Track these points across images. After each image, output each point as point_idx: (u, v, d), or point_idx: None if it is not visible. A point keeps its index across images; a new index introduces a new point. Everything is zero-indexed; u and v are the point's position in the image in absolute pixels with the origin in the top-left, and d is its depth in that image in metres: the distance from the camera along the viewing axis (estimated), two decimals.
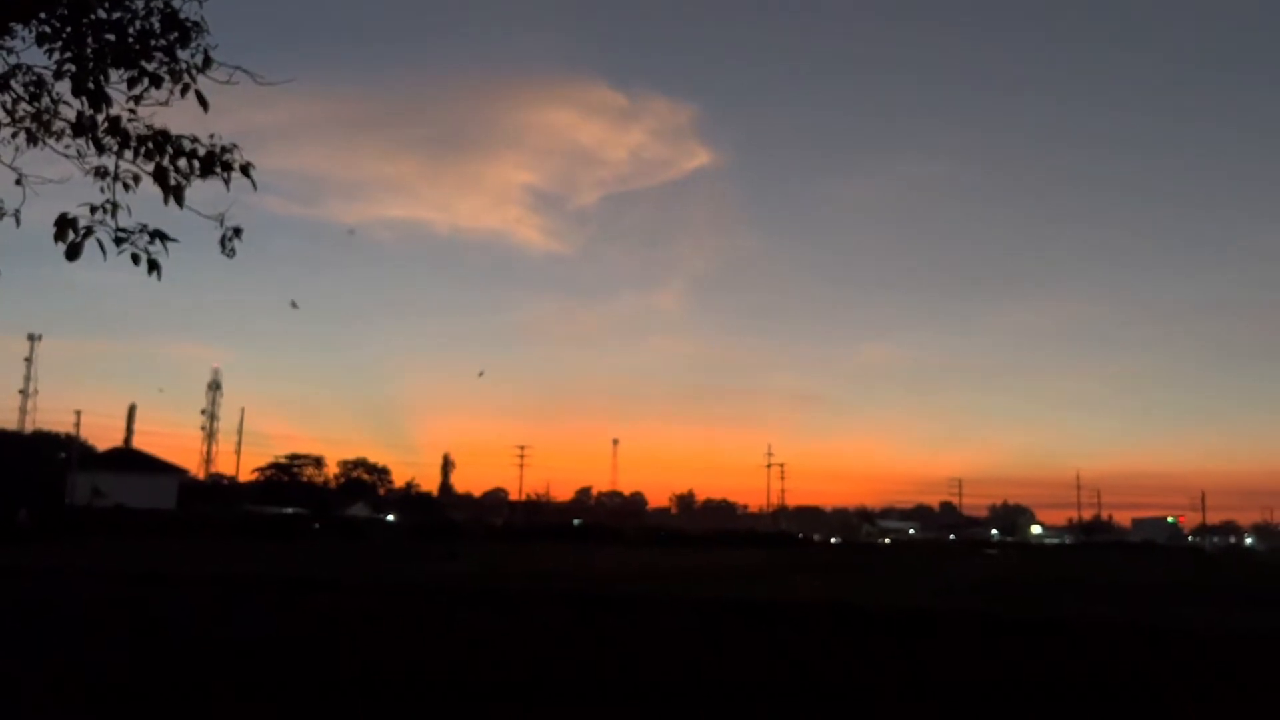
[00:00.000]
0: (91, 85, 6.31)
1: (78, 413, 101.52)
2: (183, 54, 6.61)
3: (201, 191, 6.71)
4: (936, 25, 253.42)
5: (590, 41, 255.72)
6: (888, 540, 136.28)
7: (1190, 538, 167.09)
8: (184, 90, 6.62)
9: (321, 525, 75.70)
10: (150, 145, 6.59)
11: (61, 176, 6.65)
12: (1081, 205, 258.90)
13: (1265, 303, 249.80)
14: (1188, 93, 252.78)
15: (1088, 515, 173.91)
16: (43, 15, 6.36)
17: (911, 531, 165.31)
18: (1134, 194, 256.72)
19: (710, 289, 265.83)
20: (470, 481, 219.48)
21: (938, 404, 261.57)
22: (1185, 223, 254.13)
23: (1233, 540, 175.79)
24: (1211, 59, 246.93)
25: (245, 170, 6.81)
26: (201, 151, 6.68)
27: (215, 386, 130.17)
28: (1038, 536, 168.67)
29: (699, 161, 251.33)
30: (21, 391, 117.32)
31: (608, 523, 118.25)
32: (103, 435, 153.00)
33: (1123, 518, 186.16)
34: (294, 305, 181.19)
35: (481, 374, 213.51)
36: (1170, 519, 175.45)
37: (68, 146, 6.65)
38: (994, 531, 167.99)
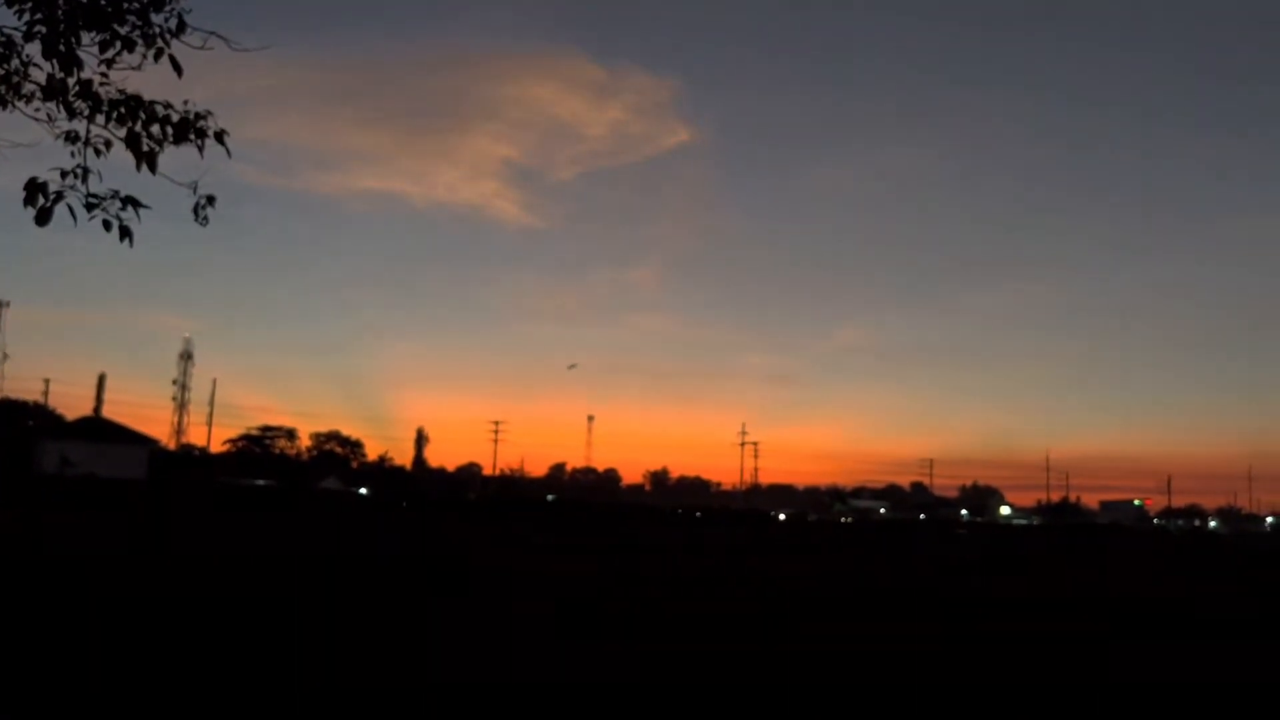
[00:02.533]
0: (62, 47, 6.20)
1: (46, 381, 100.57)
2: (156, 18, 6.50)
3: (175, 158, 6.64)
4: (917, 14, 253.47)
5: (570, 13, 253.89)
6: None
7: (1156, 520, 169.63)
8: (157, 55, 6.51)
9: (301, 498, 75.48)
10: (122, 110, 6.49)
11: (32, 140, 6.55)
12: (1052, 192, 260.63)
13: (1235, 289, 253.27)
14: (1151, 82, 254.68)
15: (1056, 497, 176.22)
16: None
17: (882, 510, 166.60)
18: (1103, 181, 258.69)
19: (688, 268, 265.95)
20: (444, 456, 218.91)
21: (910, 385, 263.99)
22: (1154, 209, 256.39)
23: (1197, 523, 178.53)
24: (1175, 49, 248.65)
25: (219, 137, 6.73)
26: (175, 118, 6.58)
27: (187, 356, 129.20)
28: (1006, 517, 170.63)
29: (679, 139, 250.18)
30: None
31: (580, 499, 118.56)
32: (72, 404, 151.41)
33: (1091, 500, 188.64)
34: (572, 366, 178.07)
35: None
36: (1137, 502, 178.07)
37: (38, 110, 6.54)
38: (964, 512, 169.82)
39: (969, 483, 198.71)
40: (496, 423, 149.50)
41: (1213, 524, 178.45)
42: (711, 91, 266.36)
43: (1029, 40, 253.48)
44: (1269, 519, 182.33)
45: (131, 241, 6.33)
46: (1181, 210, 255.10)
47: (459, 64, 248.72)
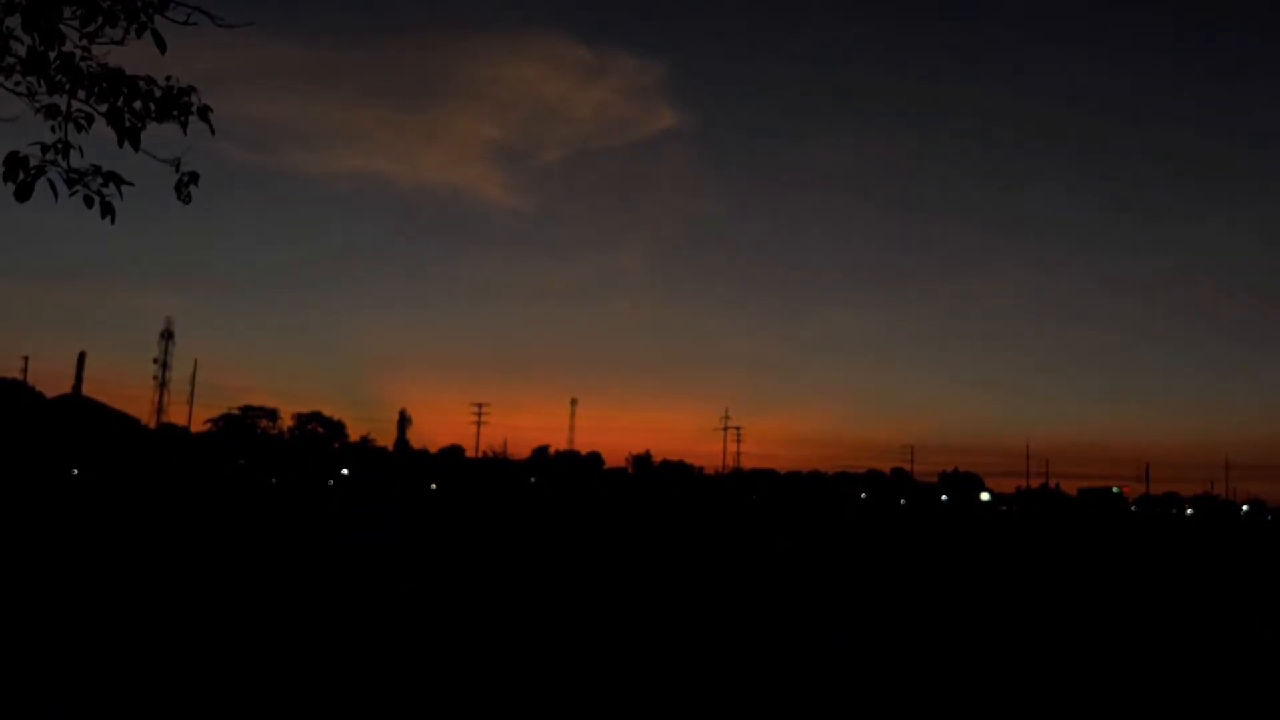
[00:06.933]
0: (43, 21, 6.11)
1: (25, 359, 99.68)
2: None
3: (157, 135, 6.56)
4: (903, 1, 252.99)
5: None
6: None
7: (1134, 508, 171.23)
8: (140, 30, 6.41)
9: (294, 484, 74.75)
10: (104, 85, 6.41)
11: (11, 114, 6.47)
12: (1039, 180, 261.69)
13: (1215, 280, 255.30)
14: (1145, 71, 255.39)
15: (1035, 484, 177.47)
16: None
17: (863, 496, 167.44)
18: (1091, 171, 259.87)
19: (672, 252, 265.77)
20: (427, 438, 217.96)
21: (893, 372, 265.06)
22: (1139, 200, 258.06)
23: (1174, 511, 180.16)
24: (1171, 34, 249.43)
25: (203, 114, 6.65)
26: (158, 93, 6.50)
27: (168, 335, 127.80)
28: (986, 504, 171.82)
29: (665, 123, 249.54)
30: None
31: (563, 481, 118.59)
32: (51, 382, 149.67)
33: (1070, 487, 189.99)
34: None
35: None
36: (1115, 489, 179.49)
37: (18, 84, 6.44)
38: (944, 498, 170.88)
39: (950, 469, 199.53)
40: (479, 405, 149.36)
41: (1189, 511, 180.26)
42: (698, 76, 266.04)
43: (1023, 26, 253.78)
44: (1244, 507, 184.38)
45: (113, 218, 6.27)
46: (1162, 203, 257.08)
47: (445, 44, 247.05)
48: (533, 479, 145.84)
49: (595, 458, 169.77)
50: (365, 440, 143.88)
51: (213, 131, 6.73)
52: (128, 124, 6.43)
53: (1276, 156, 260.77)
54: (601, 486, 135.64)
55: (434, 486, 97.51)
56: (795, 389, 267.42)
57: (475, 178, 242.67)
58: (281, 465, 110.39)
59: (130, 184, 6.30)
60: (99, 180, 6.22)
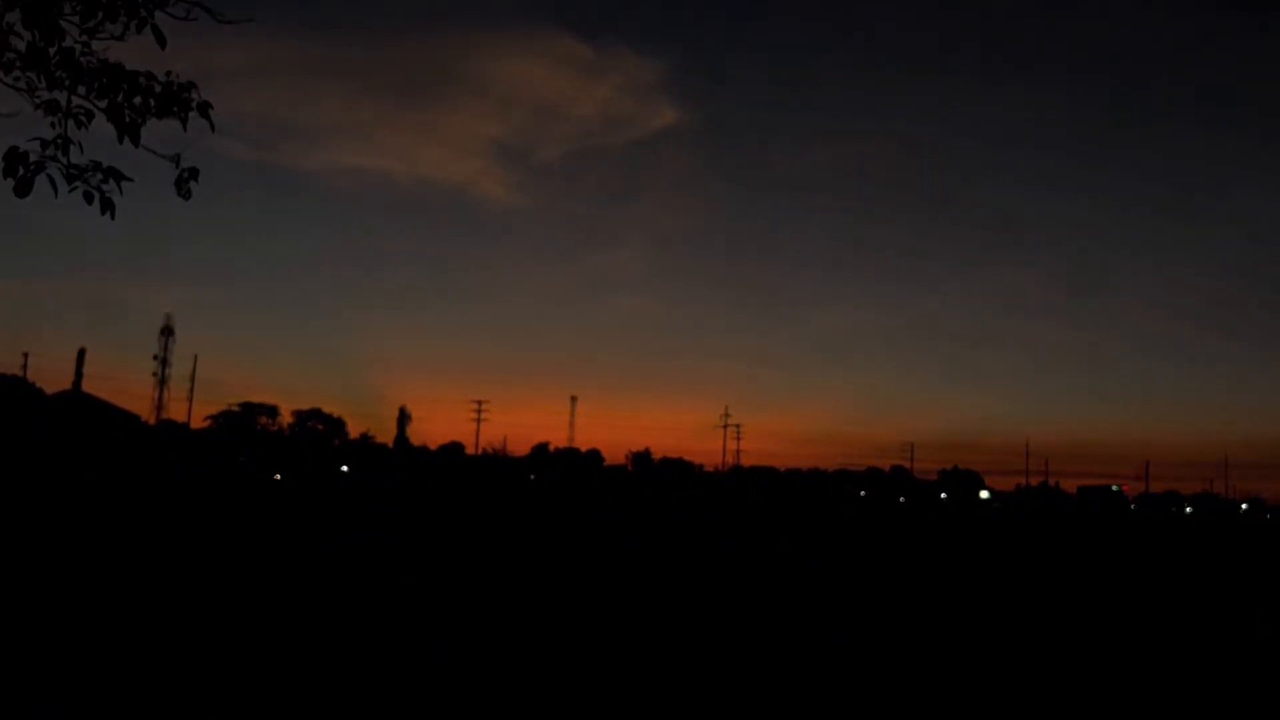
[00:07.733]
0: (43, 16, 6.10)
1: (25, 355, 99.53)
2: None
3: (157, 131, 6.55)
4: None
5: None
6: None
7: (1133, 507, 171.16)
8: (140, 25, 6.40)
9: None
10: (104, 81, 6.40)
11: (11, 110, 6.45)
12: (1037, 180, 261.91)
13: (1215, 277, 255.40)
14: (1148, 70, 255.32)
15: (1035, 482, 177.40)
16: None
17: (863, 493, 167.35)
18: (1090, 168, 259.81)
19: (672, 250, 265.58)
20: (427, 435, 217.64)
21: (892, 369, 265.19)
22: (1139, 197, 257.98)
23: (1174, 510, 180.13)
24: (1173, 30, 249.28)
25: (204, 110, 6.65)
26: (158, 89, 6.49)
27: (168, 331, 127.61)
28: (984, 501, 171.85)
29: (666, 121, 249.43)
30: None
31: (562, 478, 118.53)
32: (51, 379, 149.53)
33: (1069, 486, 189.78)
34: None
35: None
36: (1114, 488, 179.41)
37: (18, 79, 6.43)
38: (943, 495, 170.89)
39: (950, 467, 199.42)
40: (479, 402, 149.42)
41: (1189, 510, 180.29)
42: (699, 73, 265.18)
43: (1026, 23, 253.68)
44: (1244, 505, 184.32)
45: (113, 214, 6.26)
46: (1164, 201, 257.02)
47: (446, 41, 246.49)
48: (532, 476, 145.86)
49: (595, 455, 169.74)
50: (365, 437, 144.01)
51: (213, 128, 6.72)
52: (128, 120, 6.42)
53: (1277, 154, 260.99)
54: (601, 484, 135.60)
55: (434, 483, 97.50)
56: (795, 387, 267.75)
57: (476, 174, 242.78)
58: (282, 462, 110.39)
59: (130, 180, 6.29)
60: (99, 176, 6.21)
